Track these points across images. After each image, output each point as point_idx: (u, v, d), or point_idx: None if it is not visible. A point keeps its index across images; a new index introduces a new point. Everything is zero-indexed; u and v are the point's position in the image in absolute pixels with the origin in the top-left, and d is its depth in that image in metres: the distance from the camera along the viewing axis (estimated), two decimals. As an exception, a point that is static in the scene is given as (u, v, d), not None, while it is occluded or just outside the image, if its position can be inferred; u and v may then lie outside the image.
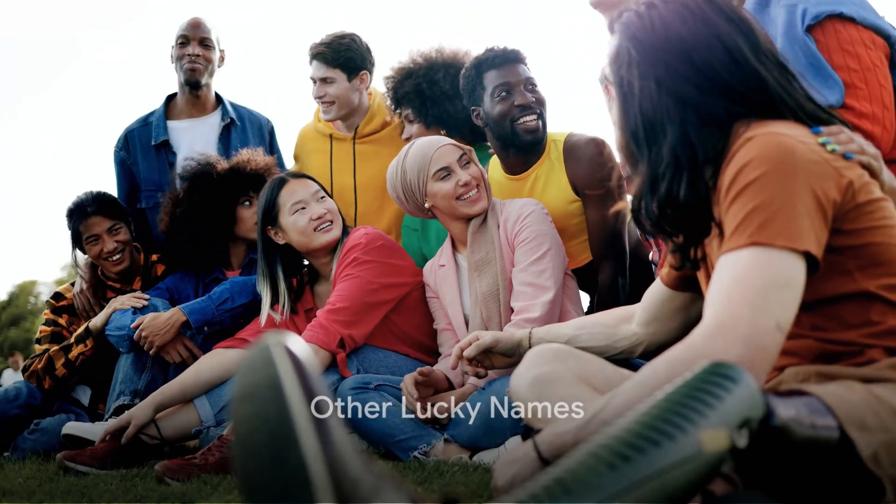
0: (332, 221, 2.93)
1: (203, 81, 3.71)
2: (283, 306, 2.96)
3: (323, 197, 2.96)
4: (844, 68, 2.06)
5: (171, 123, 3.75)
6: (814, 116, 1.46)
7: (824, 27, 2.10)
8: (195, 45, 3.67)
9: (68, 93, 65.83)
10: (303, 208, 2.89)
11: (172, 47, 3.72)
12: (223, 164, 3.36)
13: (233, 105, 3.84)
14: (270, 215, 2.93)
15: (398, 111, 3.37)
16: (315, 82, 3.49)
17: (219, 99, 3.82)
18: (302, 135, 3.75)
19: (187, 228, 3.31)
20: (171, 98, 3.81)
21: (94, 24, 65.33)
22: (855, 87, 2.05)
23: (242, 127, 3.77)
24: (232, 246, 3.41)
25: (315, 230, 2.89)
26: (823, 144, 1.38)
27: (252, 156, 3.38)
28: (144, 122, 3.78)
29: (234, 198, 3.31)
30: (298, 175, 3.03)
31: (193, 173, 3.34)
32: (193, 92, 3.72)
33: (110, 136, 3.82)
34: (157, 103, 3.83)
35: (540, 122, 2.89)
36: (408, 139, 3.29)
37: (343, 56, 3.45)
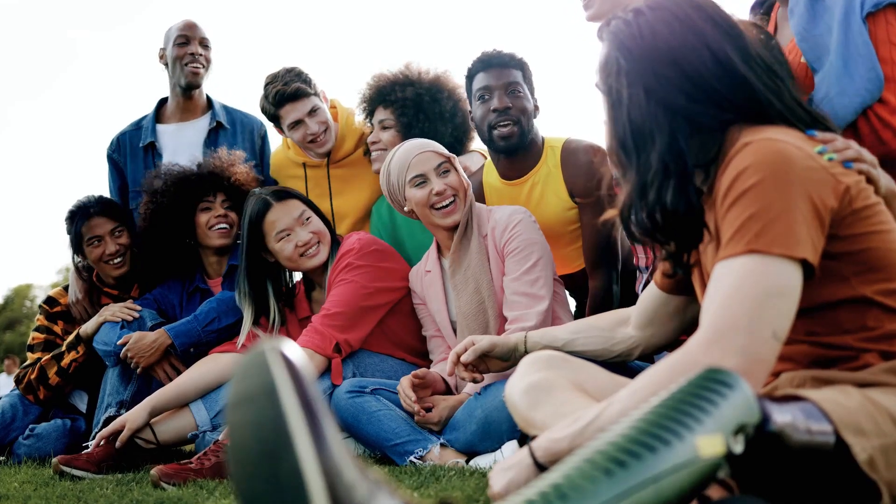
0: (318, 243, 2.90)
1: (203, 83, 3.70)
2: (273, 322, 2.94)
3: (308, 218, 2.90)
4: (889, 62, 2.05)
5: (160, 127, 3.75)
6: (804, 122, 1.46)
7: (877, 18, 2.08)
8: (196, 45, 3.64)
9: (65, 95, 65.78)
10: (288, 235, 2.87)
11: (165, 49, 3.68)
12: (176, 172, 3.27)
13: (226, 108, 3.81)
14: (256, 239, 2.89)
15: (371, 111, 3.24)
16: (299, 124, 3.31)
17: (210, 102, 3.79)
18: (275, 162, 3.66)
19: (150, 241, 3.28)
20: (163, 102, 3.81)
21: (90, 27, 65.26)
22: (894, 81, 2.05)
23: (233, 131, 3.73)
24: (204, 253, 3.36)
25: (301, 255, 2.88)
26: (820, 153, 1.38)
27: (211, 158, 3.32)
28: (137, 126, 3.79)
29: (190, 204, 3.23)
30: (282, 196, 2.93)
31: (150, 186, 3.28)
32: (186, 94, 3.70)
33: (107, 138, 3.79)
34: (152, 106, 3.83)
35: (516, 129, 2.86)
36: (375, 142, 3.22)
37: (310, 82, 3.35)
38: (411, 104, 3.15)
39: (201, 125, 3.73)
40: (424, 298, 2.84)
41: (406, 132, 3.14)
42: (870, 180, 1.43)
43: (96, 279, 3.44)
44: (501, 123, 2.85)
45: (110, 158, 3.78)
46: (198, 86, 3.69)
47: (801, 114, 1.46)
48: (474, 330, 2.64)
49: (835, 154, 1.39)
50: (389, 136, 3.18)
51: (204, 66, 3.67)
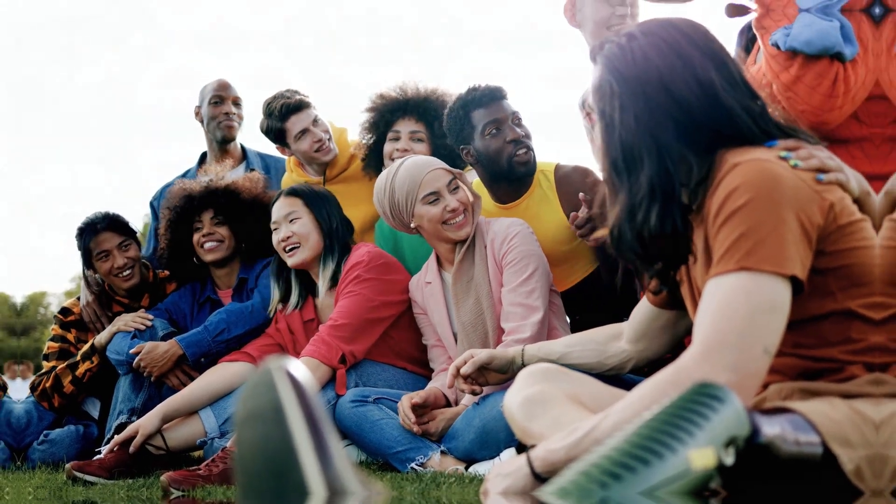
0: (298, 245, 2.95)
1: (237, 136, 3.95)
2: (295, 306, 3.04)
3: (293, 220, 2.97)
4: None
5: None
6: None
7: None
8: (229, 104, 3.89)
9: (74, 99, 65.92)
10: (276, 229, 2.99)
11: (201, 107, 3.93)
12: (184, 190, 3.34)
13: (259, 155, 4.03)
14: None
15: (395, 118, 3.25)
16: (305, 133, 3.42)
17: (244, 152, 4.00)
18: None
19: (162, 259, 3.41)
20: (205, 155, 4.04)
21: (100, 29, 65.34)
22: None
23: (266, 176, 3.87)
24: (214, 268, 3.39)
25: (283, 251, 2.98)
26: (785, 159, 1.41)
27: (205, 176, 3.42)
28: (182, 178, 3.94)
29: (188, 226, 3.30)
30: (290, 193, 3.05)
31: (167, 203, 3.39)
32: (222, 147, 3.93)
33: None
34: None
35: (532, 154, 2.92)
36: (404, 151, 3.20)
37: (307, 97, 3.48)
38: (442, 126, 3.12)
39: (237, 174, 3.82)
40: (425, 308, 2.88)
41: (436, 151, 3.19)
42: (843, 188, 1.44)
43: (108, 289, 3.51)
44: (521, 152, 2.90)
45: (152, 206, 3.98)
46: (233, 139, 3.95)
47: (777, 135, 1.49)
48: (474, 340, 2.68)
49: (800, 161, 1.41)
50: (423, 148, 3.22)
51: (238, 123, 3.92)
